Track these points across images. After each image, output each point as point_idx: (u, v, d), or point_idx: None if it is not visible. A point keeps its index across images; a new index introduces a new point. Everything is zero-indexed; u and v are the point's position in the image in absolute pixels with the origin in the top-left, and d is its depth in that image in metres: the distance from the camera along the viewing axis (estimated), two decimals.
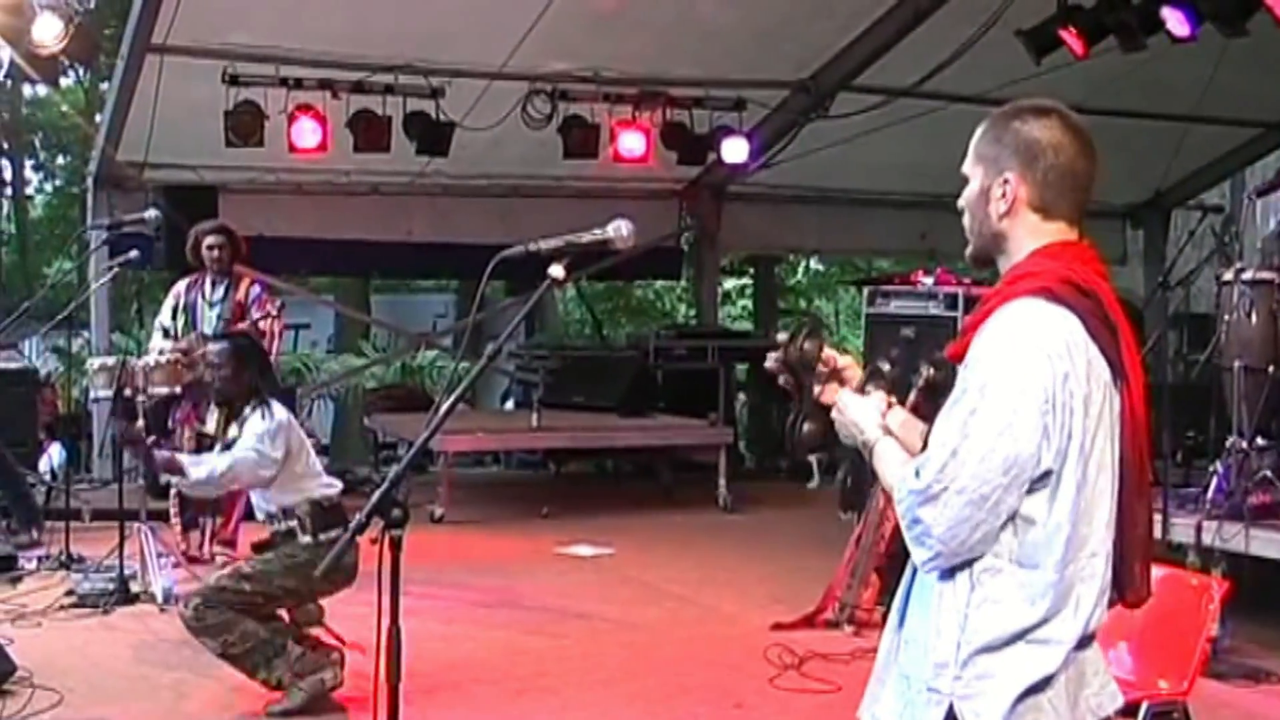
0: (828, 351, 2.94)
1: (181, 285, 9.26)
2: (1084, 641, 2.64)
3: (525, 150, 11.92)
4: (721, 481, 12.01)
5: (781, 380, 2.98)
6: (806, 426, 2.96)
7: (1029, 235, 2.72)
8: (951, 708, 2.61)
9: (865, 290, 11.59)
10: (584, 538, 10.30)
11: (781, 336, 2.97)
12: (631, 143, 11.59)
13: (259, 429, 6.11)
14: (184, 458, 6.48)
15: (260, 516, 6.35)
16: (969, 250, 2.84)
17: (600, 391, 13.47)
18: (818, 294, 29.56)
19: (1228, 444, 7.62)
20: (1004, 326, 2.61)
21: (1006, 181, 2.71)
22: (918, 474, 2.58)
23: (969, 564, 2.60)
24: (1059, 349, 2.56)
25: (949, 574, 2.63)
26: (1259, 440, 7.55)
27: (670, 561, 9.65)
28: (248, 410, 6.20)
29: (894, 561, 2.83)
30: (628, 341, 18.20)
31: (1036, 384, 2.53)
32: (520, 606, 8.27)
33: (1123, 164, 13.83)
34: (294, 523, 6.05)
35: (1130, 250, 16.19)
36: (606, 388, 13.51)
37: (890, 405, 2.90)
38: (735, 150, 11.92)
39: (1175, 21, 8.90)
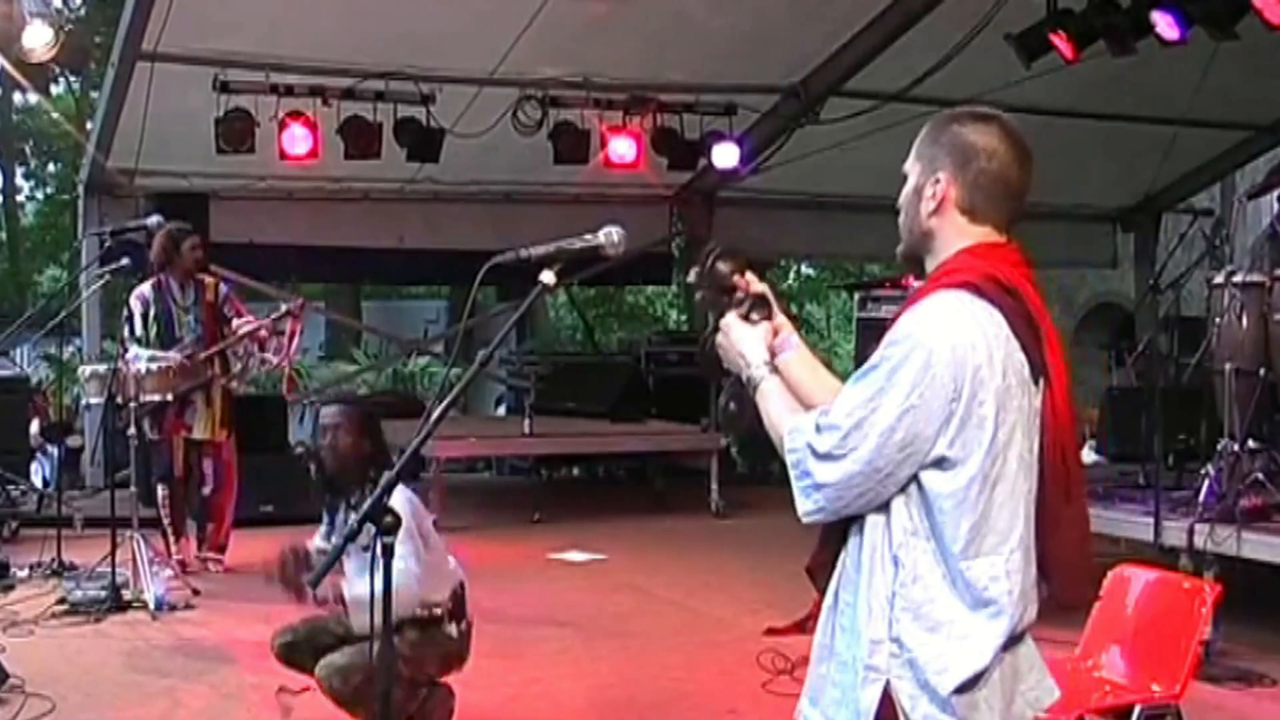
0: (744, 277, 3.00)
1: (147, 292, 9.07)
2: (1014, 639, 2.69)
3: (516, 156, 11.92)
4: (713, 486, 12.02)
5: (698, 297, 3.05)
6: (710, 345, 3.01)
7: (956, 235, 2.79)
8: (888, 686, 2.65)
9: (856, 295, 11.60)
10: (576, 543, 10.30)
11: (706, 252, 3.03)
12: (622, 148, 11.59)
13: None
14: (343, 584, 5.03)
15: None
16: (899, 248, 2.91)
17: (592, 397, 13.48)
18: (809, 298, 29.60)
19: (1219, 447, 7.62)
20: (926, 313, 2.67)
21: (938, 181, 2.78)
22: (819, 430, 2.66)
23: (889, 544, 2.67)
24: (976, 339, 2.62)
25: (872, 555, 2.69)
26: (1250, 443, 7.55)
27: (662, 567, 9.65)
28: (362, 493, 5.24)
29: (823, 560, 2.87)
30: (619, 347, 18.23)
31: (946, 372, 2.59)
32: (512, 612, 8.25)
33: (1113, 167, 13.89)
34: (439, 611, 5.37)
35: (1121, 254, 16.24)
36: (598, 393, 13.52)
37: (776, 333, 2.96)
38: (726, 155, 11.92)
39: (1165, 25, 8.91)
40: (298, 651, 5.44)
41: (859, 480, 2.62)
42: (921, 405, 2.58)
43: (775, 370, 2.87)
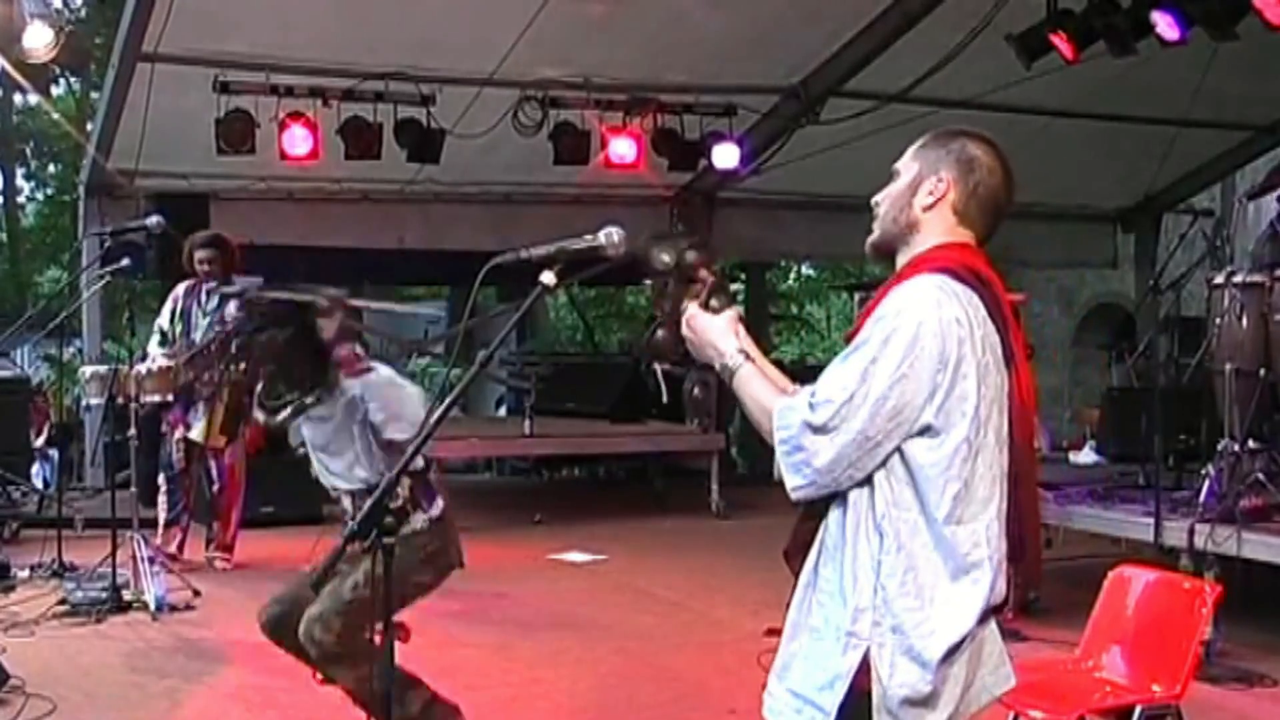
0: (709, 271, 3.06)
1: (181, 289, 9.34)
2: (986, 615, 2.78)
3: (516, 157, 11.91)
4: (714, 487, 12.03)
5: (651, 283, 3.09)
6: (660, 334, 3.05)
7: (941, 232, 2.93)
8: (867, 653, 2.72)
9: (856, 295, 11.60)
10: (577, 544, 10.31)
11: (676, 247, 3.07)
12: (622, 149, 11.58)
13: (386, 374, 5.07)
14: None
15: (347, 487, 5.21)
16: (872, 238, 3.07)
17: (592, 398, 13.49)
18: (809, 299, 29.59)
19: (1219, 447, 7.62)
20: (912, 291, 2.78)
21: (941, 180, 2.92)
22: (812, 407, 2.72)
23: (873, 516, 2.74)
24: (960, 315, 2.74)
25: (855, 529, 2.77)
26: (1250, 443, 7.54)
27: (663, 567, 9.65)
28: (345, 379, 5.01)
29: (801, 542, 2.94)
30: (619, 348, 18.20)
31: (934, 343, 2.70)
32: (513, 613, 8.26)
33: (1113, 168, 13.87)
34: (399, 502, 4.96)
35: (1121, 254, 16.24)
36: (598, 394, 13.53)
37: (741, 319, 3.03)
38: (726, 156, 11.91)
39: (1165, 25, 8.90)
40: (284, 625, 5.06)
41: (851, 450, 2.70)
42: (912, 374, 2.68)
43: (749, 357, 2.94)
